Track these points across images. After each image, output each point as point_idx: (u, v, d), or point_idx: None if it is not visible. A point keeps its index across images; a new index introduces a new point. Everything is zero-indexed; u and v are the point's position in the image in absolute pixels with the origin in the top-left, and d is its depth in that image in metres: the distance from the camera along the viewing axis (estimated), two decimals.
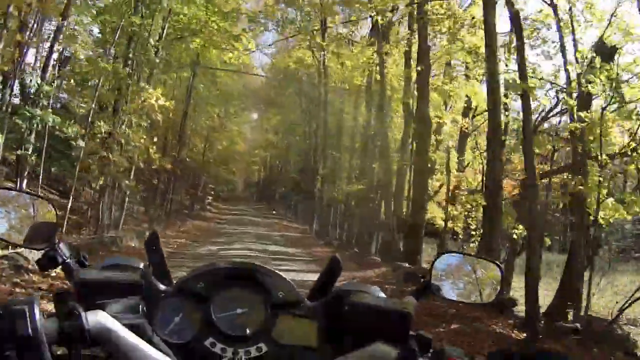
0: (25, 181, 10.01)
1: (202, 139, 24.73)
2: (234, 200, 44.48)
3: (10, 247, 5.82)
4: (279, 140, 38.82)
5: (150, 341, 0.82)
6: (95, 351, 0.82)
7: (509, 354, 0.85)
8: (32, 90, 10.74)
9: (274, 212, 36.77)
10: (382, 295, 0.99)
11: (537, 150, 8.93)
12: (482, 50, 10.34)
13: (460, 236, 14.41)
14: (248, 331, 0.92)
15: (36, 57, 13.40)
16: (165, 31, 13.11)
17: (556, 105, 9.78)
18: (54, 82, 10.63)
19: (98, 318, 0.78)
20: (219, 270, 0.97)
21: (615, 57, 7.71)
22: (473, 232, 11.12)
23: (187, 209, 24.41)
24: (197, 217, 23.44)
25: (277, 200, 41.41)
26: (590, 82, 7.21)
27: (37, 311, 0.73)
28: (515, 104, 10.41)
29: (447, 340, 5.53)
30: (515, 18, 8.32)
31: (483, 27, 9.72)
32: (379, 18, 13.62)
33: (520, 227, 8.84)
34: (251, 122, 42.37)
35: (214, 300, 0.94)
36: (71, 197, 10.49)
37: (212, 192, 35.13)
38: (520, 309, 7.46)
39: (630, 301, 6.43)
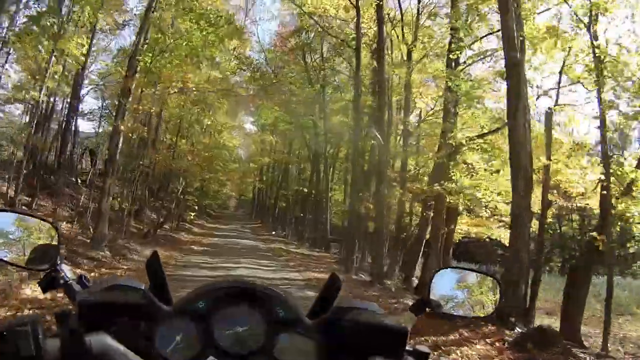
0: None
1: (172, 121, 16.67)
2: (225, 218, 37.30)
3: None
4: (279, 142, 31.31)
5: None
6: None
7: None
8: None
9: (273, 233, 29.19)
10: (382, 311, 0.98)
11: None
12: None
13: None
14: (249, 349, 0.90)
15: None
16: None
17: None
18: None
19: (100, 339, 0.76)
20: (220, 289, 0.94)
21: None
22: None
23: (151, 227, 16.30)
24: (160, 242, 15.18)
25: (277, 218, 34.09)
26: None
27: (40, 332, 0.71)
28: None
29: None
30: None
31: None
32: None
33: None
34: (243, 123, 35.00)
35: (214, 318, 0.91)
36: None
37: (196, 208, 27.13)
38: None
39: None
